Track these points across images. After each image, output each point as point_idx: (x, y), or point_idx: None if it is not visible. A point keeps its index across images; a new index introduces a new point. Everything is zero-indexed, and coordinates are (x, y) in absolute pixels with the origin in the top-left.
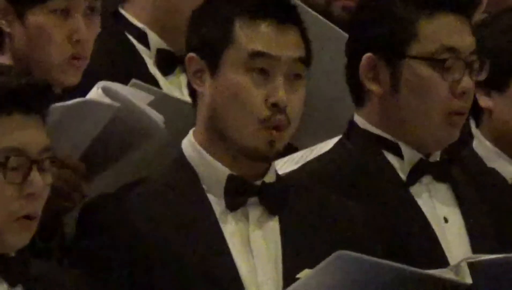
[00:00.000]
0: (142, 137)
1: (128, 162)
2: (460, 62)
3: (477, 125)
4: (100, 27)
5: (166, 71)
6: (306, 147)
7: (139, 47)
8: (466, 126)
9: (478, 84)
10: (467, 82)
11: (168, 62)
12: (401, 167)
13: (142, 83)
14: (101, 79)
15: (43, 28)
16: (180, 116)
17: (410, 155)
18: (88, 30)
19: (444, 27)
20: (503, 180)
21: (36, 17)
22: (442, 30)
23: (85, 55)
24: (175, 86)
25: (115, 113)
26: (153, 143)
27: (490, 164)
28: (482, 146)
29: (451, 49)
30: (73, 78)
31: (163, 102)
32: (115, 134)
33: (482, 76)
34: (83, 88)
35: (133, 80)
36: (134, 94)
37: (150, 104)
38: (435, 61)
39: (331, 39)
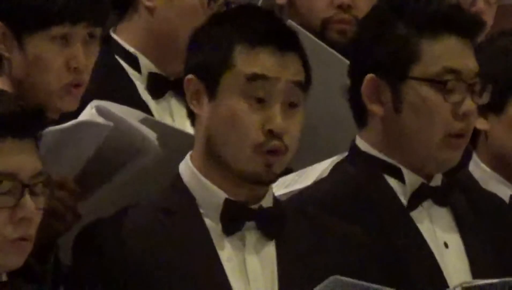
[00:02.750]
0: (136, 155)
1: (122, 179)
2: (462, 85)
3: (474, 148)
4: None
5: (157, 95)
6: (301, 169)
7: (130, 71)
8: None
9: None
10: (469, 104)
11: (159, 86)
12: (402, 191)
13: (152, 118)
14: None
15: (41, 55)
16: (176, 146)
17: (412, 180)
18: (86, 58)
19: (447, 49)
20: (502, 202)
21: (35, 43)
22: (445, 52)
23: (82, 82)
24: (166, 111)
25: (110, 132)
26: (148, 161)
27: (486, 186)
28: (478, 168)
29: (453, 71)
30: (70, 105)
31: (159, 130)
32: (110, 153)
33: (484, 100)
34: (75, 111)
35: (145, 116)
36: (127, 113)
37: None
38: (437, 83)
39: (327, 63)
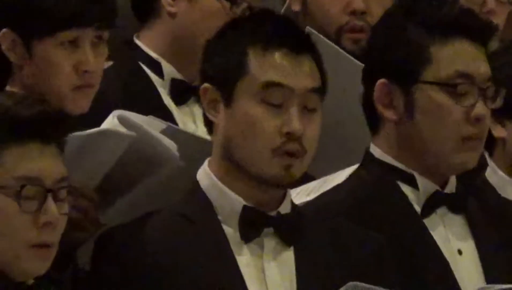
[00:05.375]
0: (156, 166)
1: (143, 190)
2: (474, 88)
3: (491, 155)
4: (113, 56)
5: (179, 101)
6: (321, 176)
7: (153, 77)
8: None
9: (492, 113)
10: (481, 108)
11: (182, 92)
12: (416, 198)
13: (174, 126)
14: (115, 109)
15: (50, 60)
16: (197, 154)
17: (426, 186)
18: (95, 60)
19: (458, 53)
20: None
21: (44, 49)
22: (456, 56)
23: (93, 84)
24: (188, 116)
25: (131, 142)
26: (168, 171)
27: (504, 193)
28: (495, 175)
29: (465, 75)
30: (82, 106)
31: (180, 138)
32: (131, 163)
33: (498, 104)
34: (98, 117)
35: (166, 125)
36: (148, 122)
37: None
38: (449, 87)
39: (345, 67)
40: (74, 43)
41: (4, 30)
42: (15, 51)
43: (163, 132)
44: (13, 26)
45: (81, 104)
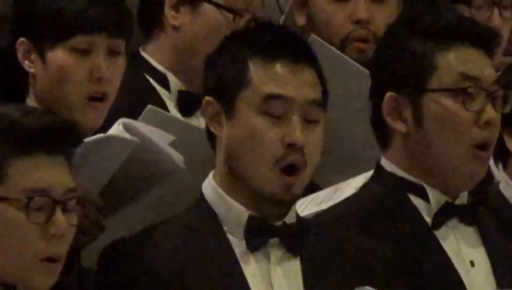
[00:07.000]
0: (160, 176)
1: (147, 199)
2: (482, 92)
3: (504, 168)
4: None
5: (187, 112)
6: (328, 185)
7: (159, 89)
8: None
9: (506, 126)
10: (490, 112)
11: (189, 104)
12: (427, 210)
13: (159, 109)
14: None
15: (63, 66)
16: (198, 144)
17: (436, 198)
18: (110, 70)
19: (462, 57)
20: None
21: (57, 55)
22: (459, 60)
23: (106, 94)
24: None
25: (135, 149)
26: (172, 183)
27: None
28: (510, 188)
29: (470, 78)
30: (94, 121)
31: (182, 131)
32: (134, 171)
33: (507, 109)
34: (104, 129)
35: (149, 106)
36: (155, 133)
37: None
38: (456, 91)
39: (350, 73)
40: (87, 50)
41: (20, 39)
42: (31, 60)
43: (183, 129)
44: (26, 34)
45: (93, 118)
